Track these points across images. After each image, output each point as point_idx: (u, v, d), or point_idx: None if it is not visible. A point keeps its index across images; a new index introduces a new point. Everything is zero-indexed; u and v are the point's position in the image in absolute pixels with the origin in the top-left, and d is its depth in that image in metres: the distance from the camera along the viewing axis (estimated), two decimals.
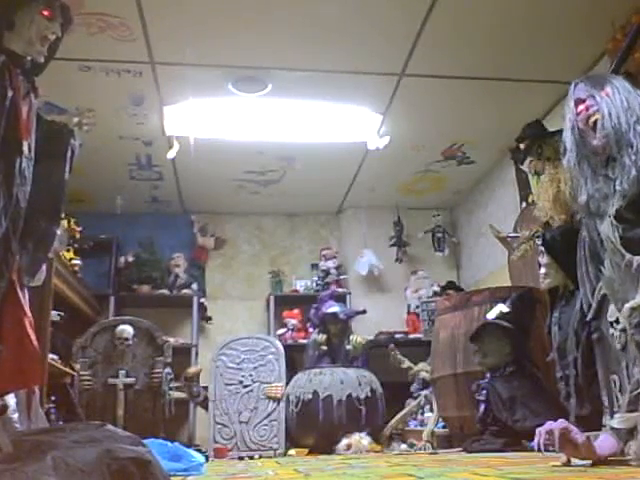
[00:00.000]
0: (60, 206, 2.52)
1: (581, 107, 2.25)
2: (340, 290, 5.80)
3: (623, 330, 2.15)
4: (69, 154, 2.68)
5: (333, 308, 5.19)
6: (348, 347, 5.08)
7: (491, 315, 3.69)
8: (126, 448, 1.46)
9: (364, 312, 5.44)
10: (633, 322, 2.01)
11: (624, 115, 2.14)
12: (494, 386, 3.52)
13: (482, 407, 3.54)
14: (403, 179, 5.71)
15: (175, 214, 6.28)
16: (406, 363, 4.95)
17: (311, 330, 5.35)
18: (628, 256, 2.03)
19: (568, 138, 2.29)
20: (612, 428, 2.06)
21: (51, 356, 4.05)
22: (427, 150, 5.13)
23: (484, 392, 3.55)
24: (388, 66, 3.98)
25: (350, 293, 5.89)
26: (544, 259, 3.13)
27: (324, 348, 5.06)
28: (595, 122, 2.20)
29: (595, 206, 2.18)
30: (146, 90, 4.13)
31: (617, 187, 2.09)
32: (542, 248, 3.13)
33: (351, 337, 5.14)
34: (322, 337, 5.08)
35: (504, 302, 3.72)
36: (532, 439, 2.16)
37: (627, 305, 2.01)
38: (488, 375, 3.62)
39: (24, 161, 2.16)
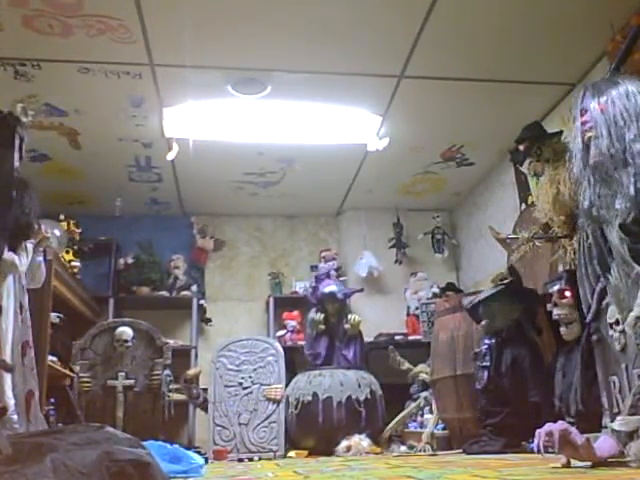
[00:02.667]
0: (11, 192, 2.57)
1: (583, 119, 2.27)
2: None
3: (622, 332, 2.15)
4: (17, 142, 2.70)
5: (330, 287, 5.17)
6: (346, 326, 5.06)
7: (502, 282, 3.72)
8: (125, 450, 1.46)
9: (361, 290, 5.52)
10: (638, 331, 2.01)
11: (620, 131, 2.13)
12: (497, 349, 3.56)
13: (485, 374, 3.56)
14: (402, 180, 5.71)
15: (174, 216, 6.28)
16: (406, 365, 4.94)
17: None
18: (637, 268, 2.03)
19: (574, 144, 2.30)
20: (613, 430, 2.06)
21: (50, 358, 4.05)
22: (426, 151, 5.13)
23: (487, 358, 3.57)
24: (387, 68, 3.98)
25: (349, 301, 5.88)
26: (566, 301, 3.05)
27: (322, 327, 5.05)
28: (590, 139, 2.21)
29: (596, 213, 2.18)
30: (145, 92, 4.13)
31: (617, 204, 2.09)
32: (562, 287, 3.08)
33: (349, 316, 5.12)
34: (320, 316, 5.07)
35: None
36: (531, 440, 2.16)
37: (632, 314, 2.02)
38: (486, 341, 3.64)
39: None
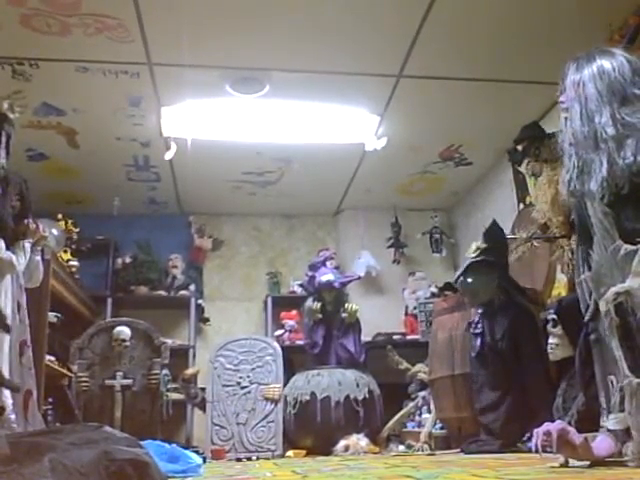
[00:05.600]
0: None
1: (560, 98, 2.29)
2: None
3: None
4: (4, 139, 2.70)
5: (327, 276, 5.12)
6: (343, 315, 5.03)
7: (471, 254, 3.73)
8: (124, 449, 1.46)
9: (359, 278, 5.53)
10: (615, 308, 1.99)
11: (591, 114, 2.14)
12: (489, 317, 3.60)
13: (479, 341, 3.60)
14: (401, 180, 5.71)
15: (172, 215, 6.27)
16: (404, 364, 4.94)
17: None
18: (618, 242, 2.02)
19: (561, 120, 2.33)
20: (608, 430, 2.06)
21: (48, 357, 4.04)
22: (425, 151, 5.13)
23: (480, 325, 3.58)
24: (386, 67, 3.98)
25: (348, 294, 5.88)
26: (557, 330, 3.01)
27: (319, 316, 5.03)
28: (566, 119, 2.23)
29: (572, 186, 2.17)
30: (143, 91, 4.13)
31: (592, 186, 2.09)
32: (554, 317, 3.02)
33: (346, 305, 5.09)
34: (317, 305, 5.04)
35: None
36: (528, 437, 2.16)
37: (612, 289, 2.00)
38: (480, 311, 3.67)
39: None
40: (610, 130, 2.07)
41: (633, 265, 1.92)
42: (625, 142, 2.03)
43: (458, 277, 3.75)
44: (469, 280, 3.69)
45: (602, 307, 2.05)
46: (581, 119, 2.16)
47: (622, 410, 2.01)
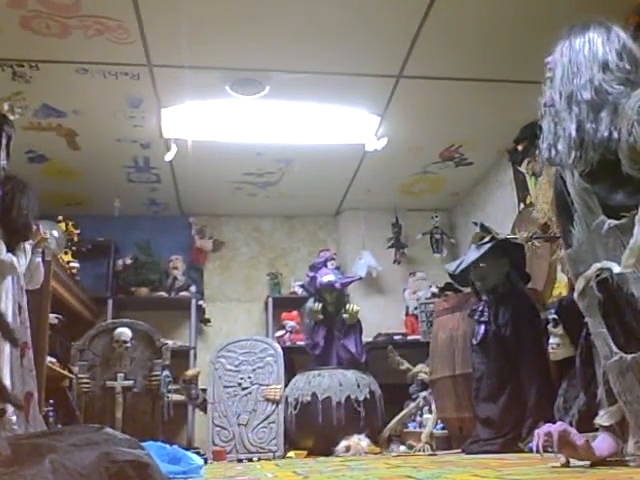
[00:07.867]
0: None
1: (547, 59, 2.32)
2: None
3: None
4: (4, 141, 2.70)
5: (328, 277, 5.12)
6: (345, 316, 5.03)
7: (481, 241, 3.76)
8: (125, 451, 1.45)
9: (360, 279, 5.55)
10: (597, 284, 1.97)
11: (571, 76, 2.14)
12: (494, 304, 3.61)
13: (482, 328, 3.61)
14: (401, 181, 5.71)
15: (173, 216, 6.28)
16: (405, 365, 4.94)
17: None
18: (602, 217, 1.98)
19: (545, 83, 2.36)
20: (603, 426, 2.05)
21: (49, 359, 4.04)
22: (425, 151, 5.13)
23: (485, 314, 3.59)
24: (386, 68, 3.98)
25: (349, 295, 5.88)
26: (558, 330, 3.00)
27: (320, 317, 5.03)
28: (548, 79, 2.25)
29: (549, 154, 2.16)
30: (144, 92, 4.13)
31: (560, 147, 2.08)
32: (555, 317, 3.00)
33: (347, 305, 5.09)
34: (318, 306, 5.04)
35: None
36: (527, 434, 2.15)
37: (596, 265, 1.97)
38: (484, 298, 3.70)
39: None
40: (586, 94, 2.06)
41: (623, 258, 1.89)
42: (599, 114, 2.00)
43: (473, 262, 3.72)
44: (480, 265, 3.69)
45: (580, 284, 2.02)
46: (561, 79, 2.17)
47: (612, 403, 2.00)
